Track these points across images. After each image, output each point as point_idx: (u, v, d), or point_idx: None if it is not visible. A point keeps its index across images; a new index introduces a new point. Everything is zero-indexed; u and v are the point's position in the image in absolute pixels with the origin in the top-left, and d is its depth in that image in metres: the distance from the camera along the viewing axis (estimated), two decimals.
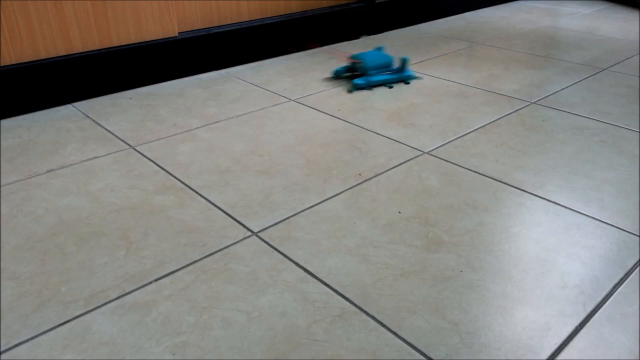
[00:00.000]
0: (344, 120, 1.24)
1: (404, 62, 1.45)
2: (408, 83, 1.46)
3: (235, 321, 0.66)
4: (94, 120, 1.25)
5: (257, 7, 1.69)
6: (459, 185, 0.96)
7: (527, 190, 0.94)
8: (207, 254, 0.78)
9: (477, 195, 0.93)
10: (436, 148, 1.10)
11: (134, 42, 1.44)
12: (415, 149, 1.10)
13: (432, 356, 0.61)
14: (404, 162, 1.04)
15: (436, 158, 1.06)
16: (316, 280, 0.73)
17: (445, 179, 0.98)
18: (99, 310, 0.68)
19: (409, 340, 0.63)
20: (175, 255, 0.78)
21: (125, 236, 0.82)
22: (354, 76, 1.49)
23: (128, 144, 1.13)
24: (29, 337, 0.64)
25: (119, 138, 1.16)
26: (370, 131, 1.18)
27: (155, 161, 1.06)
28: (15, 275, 0.74)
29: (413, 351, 0.62)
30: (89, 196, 0.93)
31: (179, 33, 1.53)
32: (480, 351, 0.62)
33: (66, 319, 0.66)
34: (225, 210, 0.89)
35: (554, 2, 2.58)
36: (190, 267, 0.75)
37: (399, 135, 1.16)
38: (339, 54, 1.75)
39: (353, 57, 1.48)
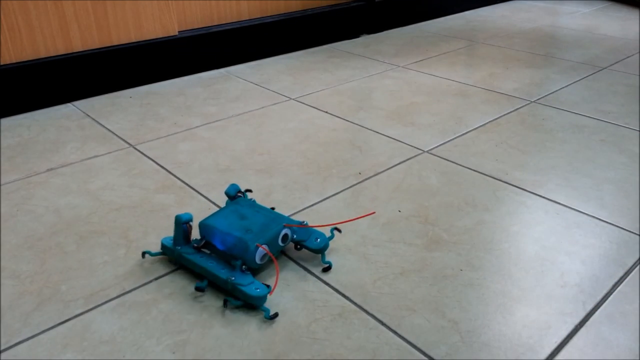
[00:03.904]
0: (344, 119, 1.24)
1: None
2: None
3: (236, 319, 0.66)
4: (94, 119, 1.25)
5: (257, 6, 1.69)
6: (458, 184, 0.96)
7: (527, 189, 0.94)
8: None
9: (477, 194, 0.93)
10: (436, 147, 1.10)
11: (133, 41, 1.44)
12: (415, 147, 1.10)
13: (432, 355, 0.61)
14: (404, 161, 1.04)
15: (436, 157, 1.06)
16: (315, 279, 0.73)
17: (445, 178, 0.98)
18: (99, 308, 0.68)
19: (409, 339, 0.63)
20: None
21: (125, 235, 0.82)
22: None
23: (128, 143, 1.13)
24: (29, 335, 0.64)
25: (119, 137, 1.16)
26: (370, 130, 1.18)
27: (156, 160, 1.06)
28: (16, 274, 0.74)
29: (413, 350, 0.62)
30: (89, 195, 0.93)
31: (179, 32, 1.53)
32: (480, 350, 0.62)
33: (66, 318, 0.66)
34: None
35: (553, 1, 2.58)
36: None
37: (399, 134, 1.16)
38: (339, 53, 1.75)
39: None
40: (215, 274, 0.69)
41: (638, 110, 1.28)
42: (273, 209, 0.82)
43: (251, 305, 0.67)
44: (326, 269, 0.75)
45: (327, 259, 0.76)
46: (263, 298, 0.66)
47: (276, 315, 0.66)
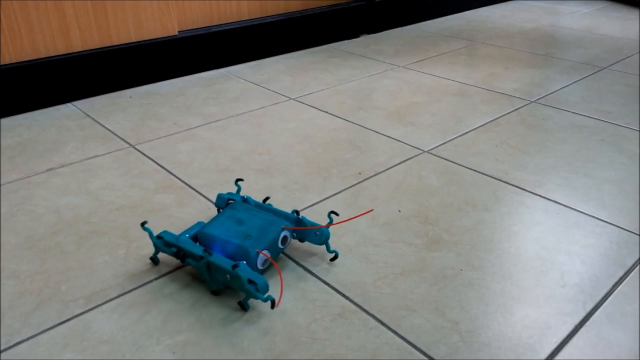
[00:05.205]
0: (344, 119, 1.24)
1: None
2: None
3: (235, 319, 0.66)
4: (94, 119, 1.25)
5: (257, 6, 1.69)
6: (458, 184, 0.96)
7: (527, 189, 0.94)
8: None
9: (476, 194, 0.93)
10: (436, 147, 1.10)
11: (134, 41, 1.44)
12: (415, 147, 1.10)
13: (432, 355, 0.61)
14: (404, 161, 1.05)
15: (436, 157, 1.06)
16: (315, 279, 0.73)
17: (445, 178, 0.98)
18: (99, 308, 0.68)
19: (409, 339, 0.63)
20: None
21: (125, 235, 0.82)
22: None
23: (128, 143, 1.13)
24: (29, 335, 0.64)
25: (119, 137, 1.16)
26: (370, 130, 1.18)
27: (156, 160, 1.06)
28: (16, 273, 0.74)
29: (413, 350, 0.62)
30: (89, 195, 0.93)
31: (179, 32, 1.53)
32: (480, 350, 0.62)
33: (66, 318, 0.67)
34: None
35: (554, 1, 2.58)
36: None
37: (399, 134, 1.16)
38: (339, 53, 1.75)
39: None
40: (222, 257, 0.68)
41: (638, 110, 1.28)
42: (267, 199, 0.82)
43: (253, 283, 0.65)
44: (333, 259, 0.76)
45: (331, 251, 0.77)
46: (267, 285, 0.66)
47: (273, 303, 0.65)
